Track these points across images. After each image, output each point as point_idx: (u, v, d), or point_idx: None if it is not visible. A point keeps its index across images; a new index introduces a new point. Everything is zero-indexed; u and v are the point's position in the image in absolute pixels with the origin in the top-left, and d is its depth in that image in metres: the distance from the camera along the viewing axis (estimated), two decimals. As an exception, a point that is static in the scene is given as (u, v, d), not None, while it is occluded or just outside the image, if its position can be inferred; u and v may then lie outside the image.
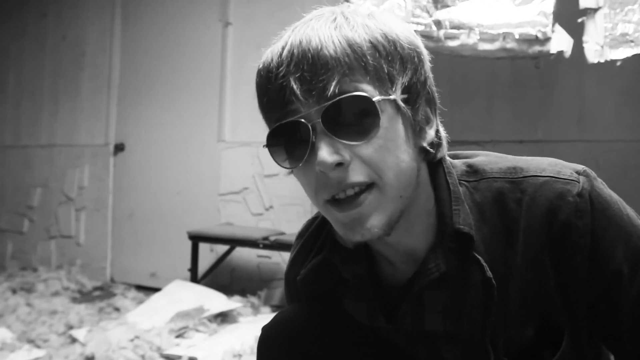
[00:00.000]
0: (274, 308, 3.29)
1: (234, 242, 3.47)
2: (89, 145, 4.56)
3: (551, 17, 2.30)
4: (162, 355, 2.55)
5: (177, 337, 2.76)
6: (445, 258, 0.78)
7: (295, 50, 0.70)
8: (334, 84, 0.69)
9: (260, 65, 0.75)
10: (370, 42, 0.71)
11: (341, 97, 0.69)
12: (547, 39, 2.30)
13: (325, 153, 0.69)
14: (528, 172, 0.77)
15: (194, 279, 3.55)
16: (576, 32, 2.31)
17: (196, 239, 3.56)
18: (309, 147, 0.70)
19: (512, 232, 0.76)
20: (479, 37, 2.35)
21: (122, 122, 4.45)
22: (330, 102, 0.69)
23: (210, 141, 4.02)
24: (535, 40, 2.31)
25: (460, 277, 0.77)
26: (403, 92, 0.73)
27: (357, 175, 0.70)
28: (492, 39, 2.34)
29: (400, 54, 0.73)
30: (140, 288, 4.05)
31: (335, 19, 0.72)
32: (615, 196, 0.77)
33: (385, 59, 0.71)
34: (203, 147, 4.05)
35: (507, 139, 3.24)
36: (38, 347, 2.75)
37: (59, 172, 4.69)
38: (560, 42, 2.31)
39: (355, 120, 0.70)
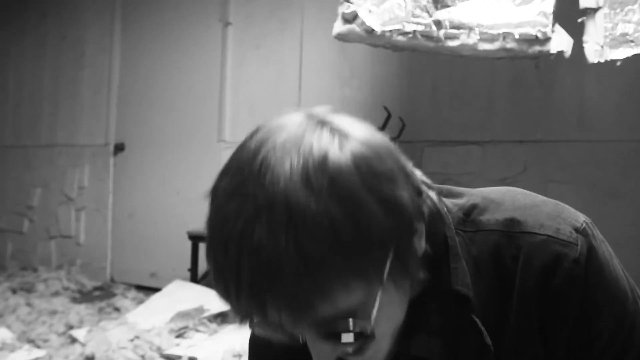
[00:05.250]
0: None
1: (234, 242, 3.46)
2: (89, 145, 4.56)
3: (551, 17, 2.30)
4: (162, 355, 2.55)
5: (177, 337, 2.76)
6: (440, 314, 0.75)
7: (246, 264, 0.56)
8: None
9: (210, 230, 0.60)
10: (334, 244, 0.55)
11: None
12: (547, 39, 2.30)
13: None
14: (526, 226, 0.74)
15: (194, 279, 3.56)
16: (576, 32, 2.31)
17: (196, 239, 3.56)
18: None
19: (507, 290, 0.74)
20: (479, 37, 2.35)
21: (122, 122, 4.45)
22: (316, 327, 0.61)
23: (210, 141, 4.02)
24: (535, 40, 2.31)
25: (455, 338, 0.75)
26: (391, 265, 0.62)
27: None
28: (492, 39, 2.34)
29: (376, 240, 0.58)
30: (140, 288, 4.05)
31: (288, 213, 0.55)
32: (607, 253, 0.76)
33: (357, 254, 0.57)
34: (203, 147, 4.05)
35: (507, 139, 3.24)
36: (38, 347, 2.75)
37: (59, 172, 4.69)
38: (560, 42, 2.31)
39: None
